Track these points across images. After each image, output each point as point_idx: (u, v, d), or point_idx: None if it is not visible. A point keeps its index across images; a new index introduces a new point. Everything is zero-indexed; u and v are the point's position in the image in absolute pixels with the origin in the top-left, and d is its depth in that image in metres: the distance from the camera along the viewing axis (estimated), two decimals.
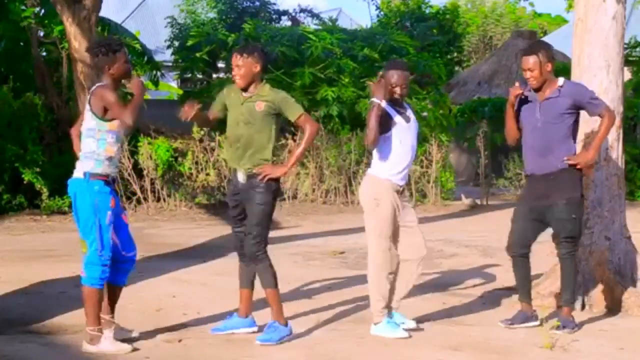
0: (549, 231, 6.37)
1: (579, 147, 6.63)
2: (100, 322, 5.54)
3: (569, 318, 6.24)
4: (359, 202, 6.30)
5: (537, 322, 6.24)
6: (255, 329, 6.00)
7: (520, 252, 6.37)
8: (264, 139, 5.82)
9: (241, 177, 5.89)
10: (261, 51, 5.95)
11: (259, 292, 6.52)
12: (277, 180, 5.90)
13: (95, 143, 5.54)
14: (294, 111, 5.86)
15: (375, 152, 6.08)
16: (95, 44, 5.78)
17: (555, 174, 6.21)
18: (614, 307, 6.86)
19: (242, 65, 5.84)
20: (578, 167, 6.23)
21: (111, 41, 5.70)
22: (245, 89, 5.87)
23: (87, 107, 5.58)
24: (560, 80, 6.30)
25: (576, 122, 6.32)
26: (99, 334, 5.52)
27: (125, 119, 5.43)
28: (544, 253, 6.89)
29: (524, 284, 6.42)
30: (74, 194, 5.57)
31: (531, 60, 6.24)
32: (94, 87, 5.63)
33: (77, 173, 5.56)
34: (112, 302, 5.72)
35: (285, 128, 15.66)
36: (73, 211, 5.65)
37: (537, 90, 6.30)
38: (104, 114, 5.51)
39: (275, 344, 5.70)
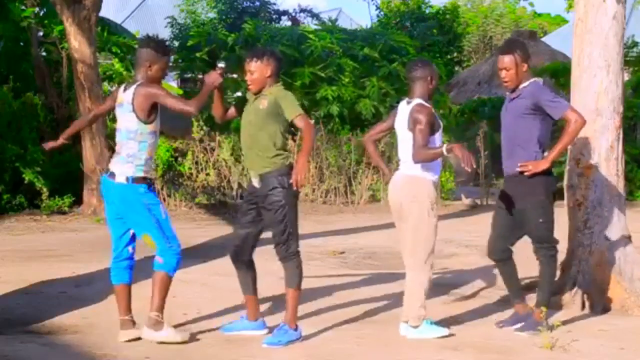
0: None
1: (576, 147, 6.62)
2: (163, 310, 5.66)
3: (538, 321, 6.10)
4: (400, 203, 6.00)
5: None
6: (266, 331, 5.98)
7: (499, 257, 6.34)
8: (265, 137, 5.73)
9: (255, 181, 5.84)
10: (271, 55, 5.84)
11: (266, 293, 6.53)
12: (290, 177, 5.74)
13: (136, 146, 5.57)
14: (292, 110, 5.72)
15: None
16: (148, 37, 5.82)
17: (519, 177, 6.09)
18: (614, 307, 6.86)
19: (254, 71, 5.78)
20: (528, 174, 6.01)
21: (164, 42, 5.75)
22: (257, 93, 5.83)
23: (130, 108, 5.55)
24: (527, 82, 6.12)
25: (543, 125, 6.09)
26: (162, 321, 5.62)
27: (187, 109, 5.51)
28: None
29: (511, 286, 6.40)
30: (119, 200, 5.60)
31: (506, 59, 6.11)
32: (134, 87, 5.60)
33: (120, 178, 5.56)
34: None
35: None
36: (113, 214, 5.68)
37: (512, 91, 6.19)
38: (148, 116, 5.53)
39: (282, 347, 5.66)
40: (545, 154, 6.13)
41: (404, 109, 6.08)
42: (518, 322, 6.23)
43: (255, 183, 5.84)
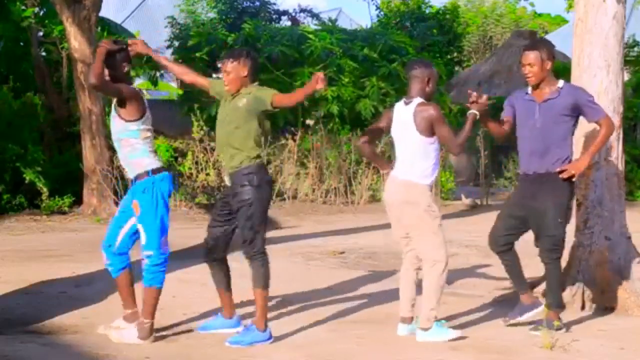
0: None
1: (577, 148, 6.62)
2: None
3: (553, 320, 6.13)
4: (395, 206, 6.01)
5: (542, 307, 6.19)
6: (240, 328, 5.96)
7: (500, 249, 6.37)
8: (242, 135, 5.72)
9: (227, 179, 5.88)
10: (247, 55, 5.84)
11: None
12: (261, 175, 5.77)
13: None
14: (269, 94, 5.73)
15: (417, 157, 5.93)
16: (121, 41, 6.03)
17: (548, 176, 6.16)
18: (614, 307, 6.86)
19: (230, 71, 5.80)
20: (569, 175, 6.14)
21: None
22: (235, 94, 5.84)
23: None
24: (560, 82, 6.29)
25: (574, 126, 6.27)
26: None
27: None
28: None
29: (515, 277, 6.40)
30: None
31: (532, 56, 6.24)
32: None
33: None
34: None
35: (286, 128, 15.69)
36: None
37: (535, 88, 6.28)
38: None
39: (244, 347, 5.61)
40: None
41: (402, 110, 6.04)
42: (524, 313, 6.25)
43: (227, 181, 5.86)
